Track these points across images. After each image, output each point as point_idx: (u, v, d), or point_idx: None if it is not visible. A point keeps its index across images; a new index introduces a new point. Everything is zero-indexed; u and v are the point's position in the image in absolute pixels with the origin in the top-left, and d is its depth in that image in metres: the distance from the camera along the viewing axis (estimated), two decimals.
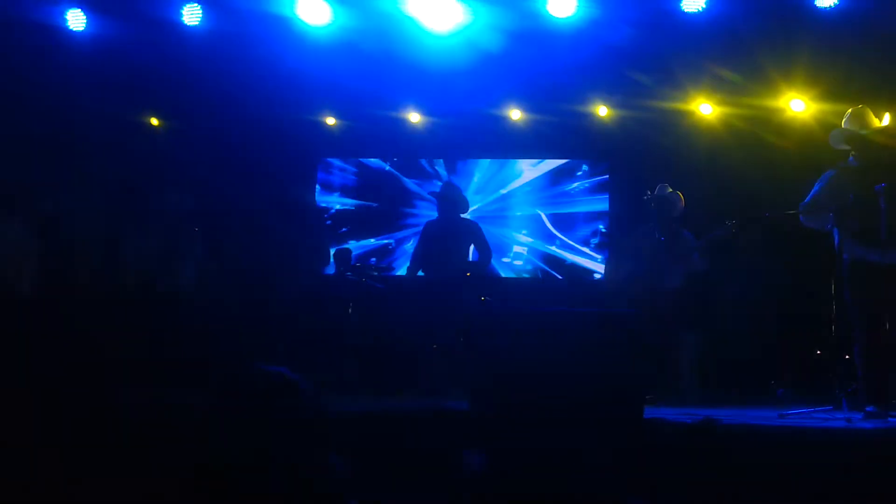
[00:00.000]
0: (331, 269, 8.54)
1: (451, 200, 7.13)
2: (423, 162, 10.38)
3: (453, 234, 7.04)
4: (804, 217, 5.20)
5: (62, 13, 7.15)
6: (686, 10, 6.81)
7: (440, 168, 10.33)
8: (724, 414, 5.05)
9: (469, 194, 10.17)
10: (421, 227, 7.81)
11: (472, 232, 7.12)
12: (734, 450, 3.88)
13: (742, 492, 3.71)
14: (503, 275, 9.98)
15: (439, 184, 8.03)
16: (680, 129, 9.01)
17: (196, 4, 7.07)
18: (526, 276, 9.99)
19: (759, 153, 8.53)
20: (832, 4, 6.53)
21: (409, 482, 3.85)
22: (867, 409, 4.73)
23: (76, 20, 7.20)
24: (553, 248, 10.01)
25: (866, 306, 4.91)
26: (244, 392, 1.58)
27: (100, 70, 8.06)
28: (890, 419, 4.59)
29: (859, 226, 4.86)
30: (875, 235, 4.76)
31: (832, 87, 7.89)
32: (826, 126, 7.93)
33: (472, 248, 7.34)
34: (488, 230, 10.05)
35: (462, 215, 7.23)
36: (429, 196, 7.52)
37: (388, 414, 4.57)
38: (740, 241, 7.62)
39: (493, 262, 9.93)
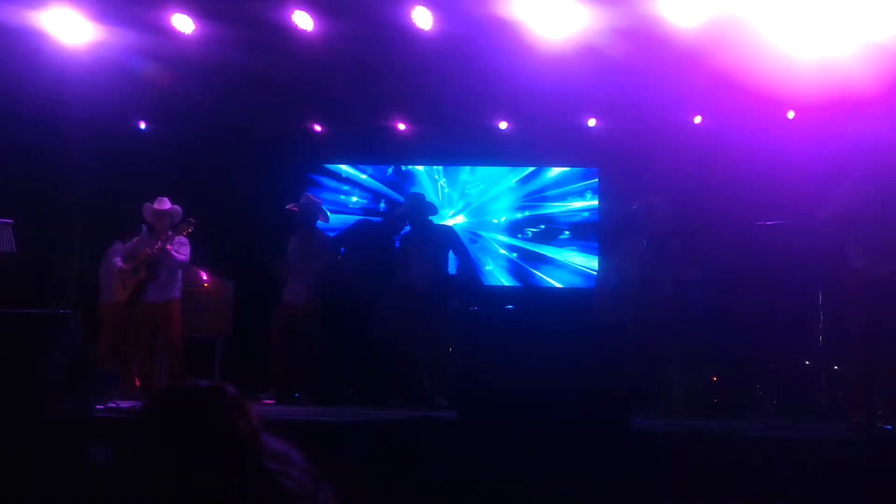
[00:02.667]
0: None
1: (418, 210, 7.11)
2: (412, 169, 10.40)
3: (430, 242, 7.01)
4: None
5: (50, 20, 7.10)
6: (675, 22, 6.81)
7: (428, 175, 10.35)
8: (712, 424, 5.06)
9: (456, 202, 10.23)
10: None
11: (448, 238, 7.11)
12: (721, 460, 3.89)
13: (728, 502, 3.72)
14: (491, 283, 9.99)
15: (403, 198, 7.99)
16: (671, 139, 9.05)
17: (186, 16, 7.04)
18: (515, 284, 10.00)
19: (750, 164, 8.55)
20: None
21: (397, 491, 3.84)
22: (853, 419, 4.74)
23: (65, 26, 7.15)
24: (542, 253, 10.04)
25: (865, 317, 4.88)
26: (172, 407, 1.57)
27: (91, 77, 8.03)
28: (875, 430, 4.60)
29: (865, 236, 4.82)
30: (880, 246, 4.78)
31: (824, 98, 7.93)
32: (818, 136, 8.01)
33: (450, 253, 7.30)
34: (478, 238, 10.14)
35: (436, 221, 7.20)
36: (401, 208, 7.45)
37: (375, 423, 4.56)
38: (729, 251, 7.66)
39: (480, 269, 9.97)
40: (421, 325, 7.08)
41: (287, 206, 7.48)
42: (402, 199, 7.95)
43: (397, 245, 7.32)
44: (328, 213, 7.60)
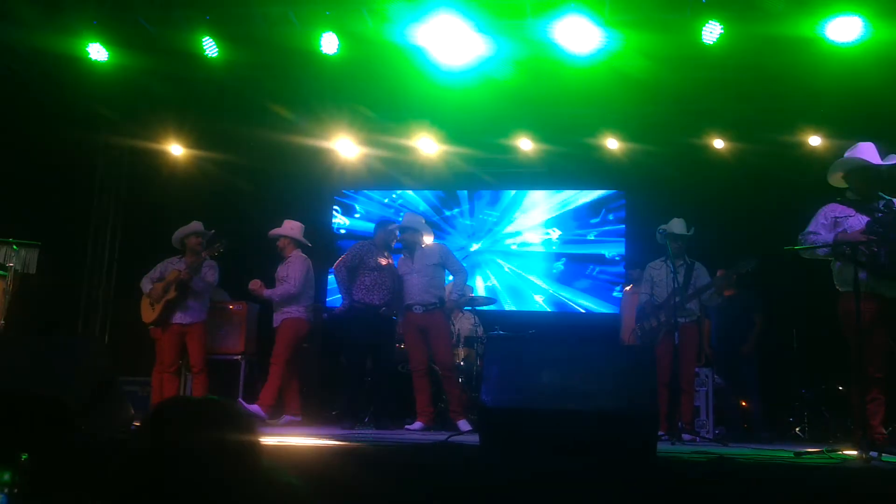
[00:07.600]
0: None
1: (413, 229, 7.08)
2: (439, 193, 10.41)
3: (425, 263, 6.97)
4: (802, 248, 5.04)
5: (84, 45, 7.24)
6: (705, 42, 6.77)
7: (457, 199, 10.37)
8: (739, 452, 4.96)
9: (485, 226, 10.22)
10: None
11: (441, 255, 7.06)
12: (748, 490, 3.80)
13: None
14: (516, 307, 9.94)
15: (399, 218, 7.93)
16: (697, 163, 9.00)
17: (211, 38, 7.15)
18: (540, 307, 9.95)
19: (777, 188, 8.46)
20: (850, 40, 6.50)
21: None
22: (886, 448, 4.61)
23: (97, 52, 7.30)
24: (568, 281, 9.99)
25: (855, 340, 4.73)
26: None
27: (121, 100, 8.17)
28: None
29: (854, 257, 4.69)
30: (871, 267, 4.68)
31: (849, 122, 7.85)
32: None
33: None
34: (502, 263, 10.11)
35: (427, 242, 7.16)
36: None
37: (395, 447, 4.52)
38: (761, 275, 7.56)
39: (504, 294, 9.92)
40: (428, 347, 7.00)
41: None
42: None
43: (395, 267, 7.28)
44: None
